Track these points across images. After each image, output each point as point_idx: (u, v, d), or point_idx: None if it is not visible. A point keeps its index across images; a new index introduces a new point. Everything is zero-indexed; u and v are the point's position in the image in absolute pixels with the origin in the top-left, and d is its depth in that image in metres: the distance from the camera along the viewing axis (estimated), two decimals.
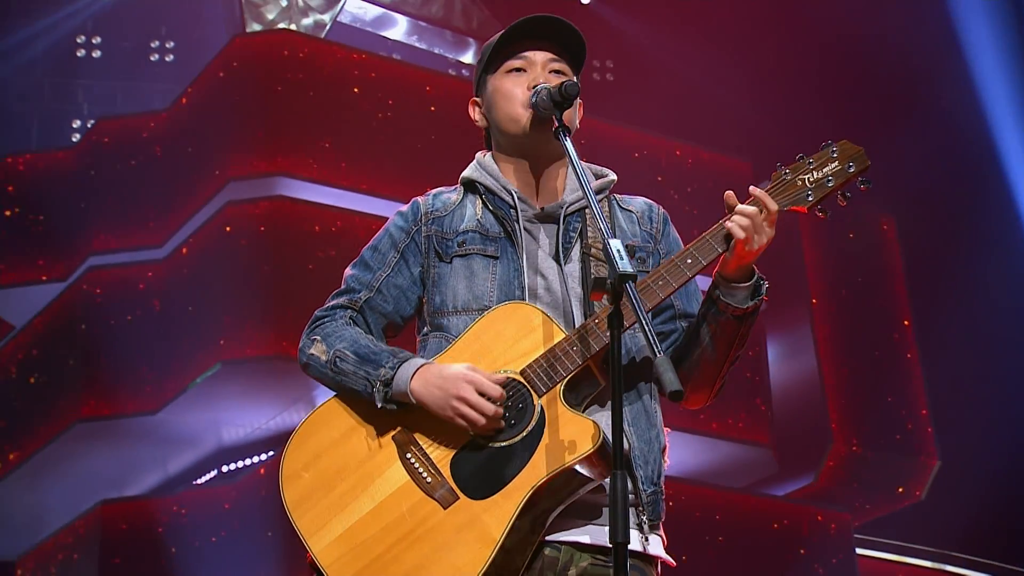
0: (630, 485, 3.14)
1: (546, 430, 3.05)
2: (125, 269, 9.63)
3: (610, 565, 3.10)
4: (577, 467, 3.01)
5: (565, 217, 3.32)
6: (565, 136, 3.19)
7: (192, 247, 9.39)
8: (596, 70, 13.50)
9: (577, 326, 3.15)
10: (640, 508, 3.18)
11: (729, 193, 3.18)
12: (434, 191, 3.46)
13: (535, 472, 3.02)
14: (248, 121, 9.38)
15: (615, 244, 2.85)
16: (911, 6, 11.65)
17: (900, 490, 11.03)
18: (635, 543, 3.16)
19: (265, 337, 8.74)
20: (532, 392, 3.09)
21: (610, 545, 2.89)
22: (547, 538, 3.11)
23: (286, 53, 9.60)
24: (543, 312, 3.15)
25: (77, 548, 9.68)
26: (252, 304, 8.77)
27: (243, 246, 8.98)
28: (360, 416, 3.18)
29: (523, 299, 3.22)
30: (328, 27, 10.90)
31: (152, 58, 13.05)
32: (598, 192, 3.39)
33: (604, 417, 3.10)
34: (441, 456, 3.10)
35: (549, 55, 3.38)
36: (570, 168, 3.15)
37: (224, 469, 10.00)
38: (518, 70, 3.37)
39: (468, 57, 12.05)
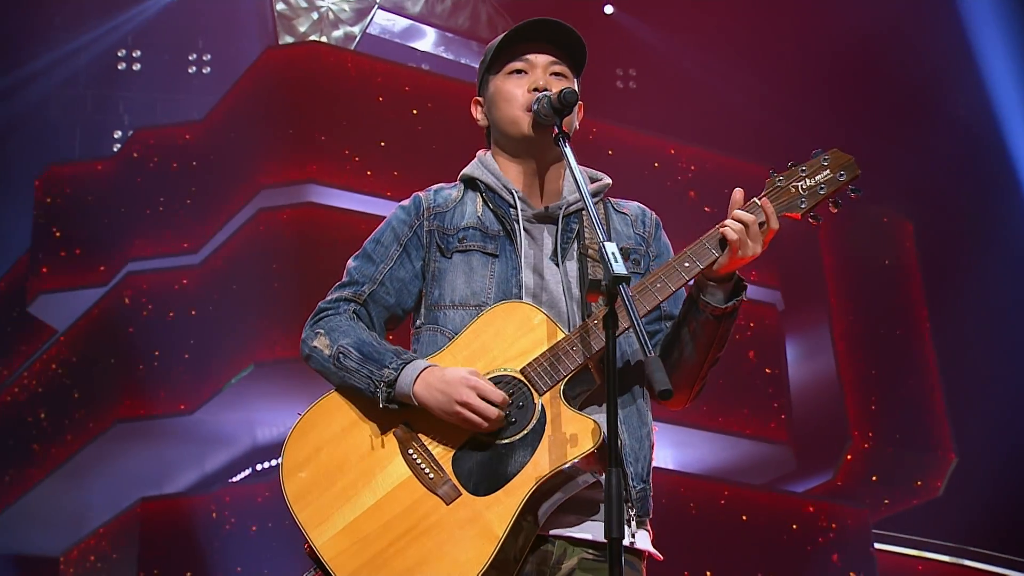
0: (620, 481, 3.18)
1: (547, 428, 3.04)
2: (162, 274, 9.65)
3: (602, 560, 3.11)
4: (577, 464, 3.02)
5: (563, 218, 3.32)
6: (565, 142, 3.18)
7: (226, 253, 9.42)
8: (619, 78, 13.49)
9: (575, 326, 3.14)
10: (630, 504, 3.17)
11: (737, 191, 3.19)
12: (434, 187, 3.46)
13: (537, 469, 3.01)
14: (279, 130, 9.41)
15: (610, 247, 2.87)
16: (924, 13, 11.59)
17: (918, 486, 10.97)
18: (624, 538, 3.15)
19: (296, 339, 8.73)
20: (533, 391, 3.08)
21: (604, 540, 2.92)
22: (542, 533, 3.10)
23: (315, 64, 9.63)
24: (542, 312, 3.15)
25: (117, 544, 9.72)
26: (283, 307, 8.77)
27: (274, 251, 9.00)
28: (361, 410, 3.16)
29: (520, 297, 3.21)
30: (358, 39, 10.93)
31: (190, 70, 13.12)
32: (594, 195, 3.40)
33: (600, 416, 3.09)
34: (443, 452, 3.09)
35: (550, 58, 3.38)
36: (568, 172, 3.14)
37: (258, 467, 10.02)
38: (519, 72, 3.37)
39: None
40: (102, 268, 10.17)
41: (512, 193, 3.34)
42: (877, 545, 10.40)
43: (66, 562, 10.40)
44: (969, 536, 11.25)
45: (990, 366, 11.16)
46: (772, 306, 10.53)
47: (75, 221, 10.48)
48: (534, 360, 3.10)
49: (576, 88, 3.40)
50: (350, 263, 3.40)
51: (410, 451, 3.10)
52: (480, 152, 3.48)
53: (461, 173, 3.46)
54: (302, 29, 10.84)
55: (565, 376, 3.07)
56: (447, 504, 3.03)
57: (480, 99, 3.47)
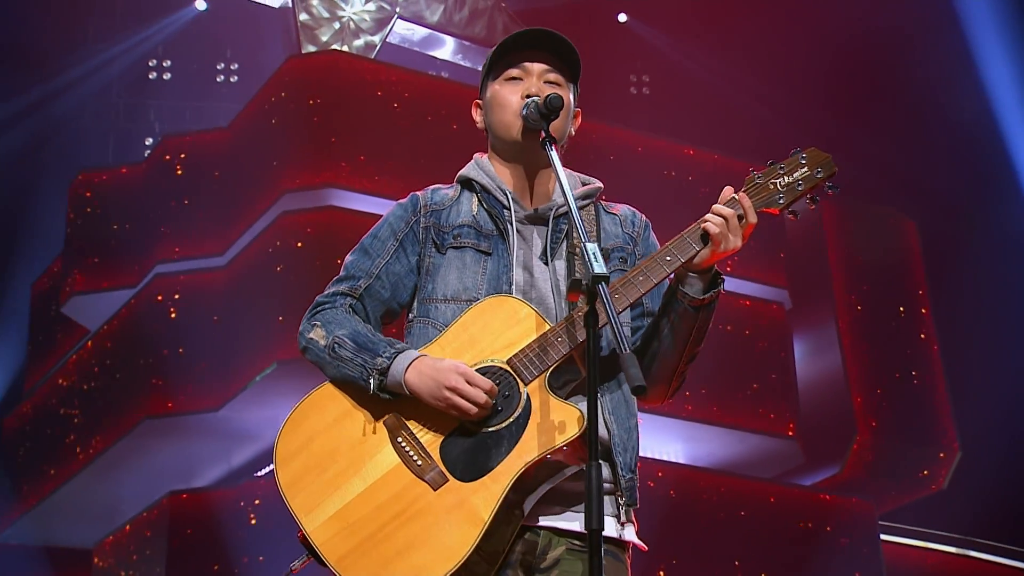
0: (608, 473, 3.17)
1: (532, 416, 3.04)
2: (189, 276, 9.69)
3: (586, 549, 3.05)
4: (560, 453, 3.01)
5: (554, 219, 3.32)
6: (550, 146, 3.18)
7: (250, 255, 9.44)
8: (633, 84, 13.50)
9: (561, 319, 3.14)
10: (619, 493, 3.17)
11: (727, 188, 3.19)
12: (432, 187, 3.46)
13: (522, 456, 3.01)
14: (300, 136, 9.42)
15: (591, 247, 2.87)
16: (926, 19, 11.57)
17: (923, 479, 10.93)
18: (611, 530, 3.16)
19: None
20: (519, 380, 3.08)
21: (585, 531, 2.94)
22: (528, 523, 3.09)
23: (334, 72, 9.65)
24: (529, 305, 3.15)
25: (147, 536, 9.74)
26: (305, 307, 8.71)
27: (296, 253, 9.01)
28: (352, 401, 3.16)
29: (510, 293, 3.21)
30: (378, 48, 10.92)
31: (218, 79, 13.19)
32: (585, 198, 3.40)
33: (584, 407, 3.11)
34: (431, 440, 3.09)
35: (545, 66, 3.37)
36: (560, 174, 3.13)
37: None
38: (515, 79, 3.37)
39: None
40: (132, 270, 10.19)
41: (506, 194, 3.35)
42: (883, 536, 10.37)
43: (99, 553, 10.43)
44: (974, 528, 11.23)
45: (993, 361, 11.13)
46: (780, 305, 10.51)
47: (106, 225, 10.52)
48: (520, 351, 3.09)
49: (571, 95, 3.40)
50: (348, 258, 3.40)
51: (399, 439, 3.10)
52: (477, 155, 3.49)
53: (458, 174, 3.47)
54: (324, 39, 10.83)
55: (550, 366, 3.07)
56: (434, 490, 3.03)
57: (480, 102, 3.48)
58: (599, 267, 2.82)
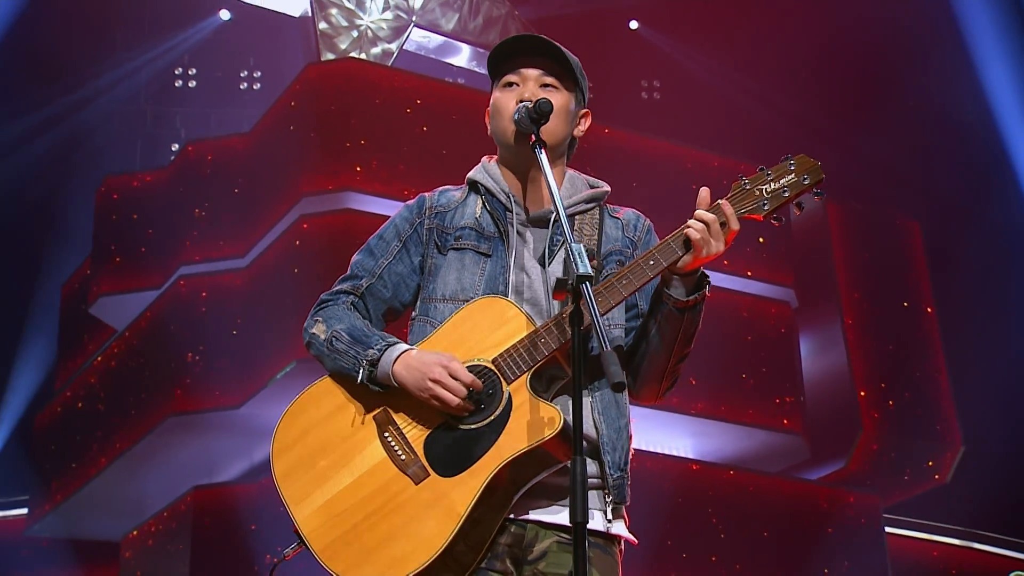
0: (596, 469, 3.17)
1: (512, 415, 3.05)
2: (212, 277, 9.70)
3: (573, 543, 3.11)
4: (541, 449, 3.01)
5: (553, 223, 3.31)
6: (540, 150, 3.17)
7: (270, 256, 9.45)
8: (644, 89, 13.46)
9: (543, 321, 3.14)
10: (606, 491, 3.17)
11: (703, 190, 3.17)
12: (441, 188, 3.48)
13: (500, 453, 3.02)
14: (319, 141, 9.43)
15: (577, 248, 2.88)
16: (927, 26, 11.55)
17: (926, 473, 10.87)
18: (599, 524, 3.16)
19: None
20: (502, 379, 3.09)
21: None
22: (515, 516, 3.11)
23: (351, 79, 9.65)
24: (517, 307, 3.16)
25: (172, 529, 9.77)
26: None
27: (315, 254, 9.01)
28: (346, 396, 3.19)
29: (506, 295, 3.22)
30: (395, 55, 10.91)
31: (241, 86, 13.21)
32: (591, 201, 3.40)
33: (568, 407, 3.10)
34: (416, 436, 3.11)
35: (541, 71, 3.36)
36: (548, 177, 3.12)
37: None
38: (512, 84, 3.36)
39: None
40: (157, 272, 10.21)
41: (509, 197, 3.35)
42: (888, 529, 10.35)
43: (126, 545, 10.46)
44: (977, 521, 11.20)
45: (994, 358, 11.10)
46: (786, 304, 10.47)
47: (132, 228, 10.54)
48: (505, 351, 3.10)
49: (571, 99, 3.38)
50: (354, 257, 3.43)
51: (386, 434, 3.13)
52: (485, 158, 3.49)
53: (467, 176, 3.47)
54: (343, 46, 10.83)
55: (533, 366, 3.07)
56: (416, 484, 3.06)
57: (491, 110, 3.47)
58: (583, 267, 2.83)
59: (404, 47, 11.03)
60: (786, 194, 3.19)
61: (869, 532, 9.95)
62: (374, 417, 3.15)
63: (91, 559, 11.37)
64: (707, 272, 3.22)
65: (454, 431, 3.08)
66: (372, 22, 11.01)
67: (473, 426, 3.07)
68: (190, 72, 13.22)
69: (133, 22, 13.12)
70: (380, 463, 3.10)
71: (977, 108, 11.59)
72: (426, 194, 3.45)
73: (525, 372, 3.07)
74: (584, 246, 3.23)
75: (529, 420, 3.02)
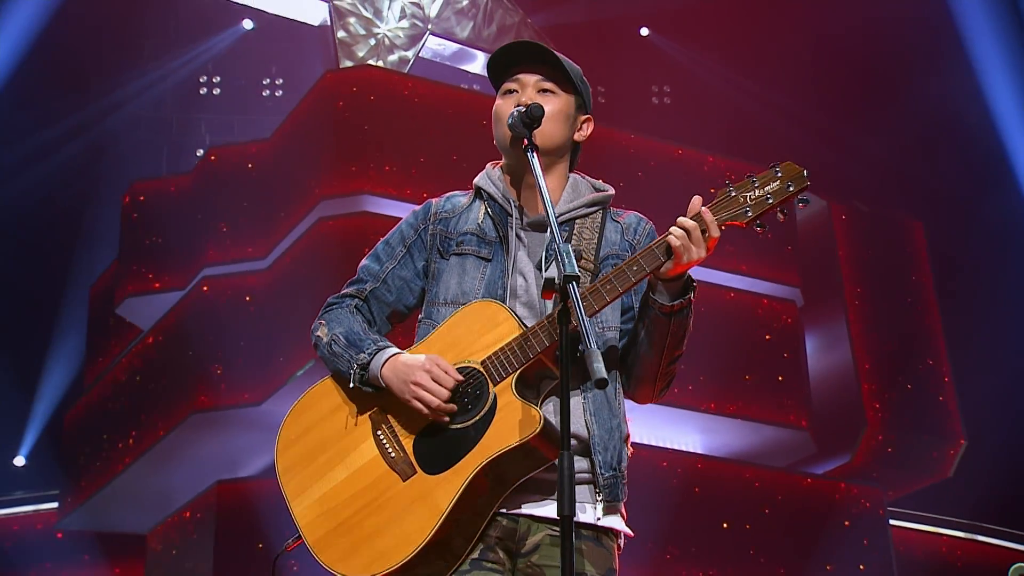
0: (588, 466, 3.16)
1: (497, 415, 3.06)
2: (234, 278, 9.70)
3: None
4: (527, 447, 3.01)
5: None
6: (532, 154, 3.17)
7: (290, 258, 9.45)
8: (655, 94, 13.45)
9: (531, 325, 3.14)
10: (598, 489, 3.16)
11: (696, 198, 3.15)
12: (449, 194, 3.49)
13: (483, 452, 3.04)
14: (336, 146, 9.43)
15: (564, 248, 2.87)
16: (930, 30, 11.51)
17: (930, 467, 10.83)
18: (590, 517, 3.15)
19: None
20: (489, 381, 3.10)
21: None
22: (507, 511, 3.12)
23: (368, 86, 9.65)
24: (508, 310, 3.16)
25: (197, 522, 9.79)
26: None
27: (333, 256, 9.01)
28: (345, 396, 3.23)
29: (505, 299, 3.22)
30: (411, 62, 10.92)
31: (264, 93, 13.23)
32: (595, 204, 3.38)
33: (556, 406, 3.11)
34: (406, 434, 3.14)
35: (539, 76, 3.34)
36: (539, 181, 3.10)
37: None
38: (511, 91, 3.35)
39: None
40: (181, 273, 10.23)
41: (510, 203, 3.34)
42: (892, 521, 10.30)
43: (153, 538, 10.50)
44: (979, 513, 11.16)
45: (996, 355, 11.07)
46: (792, 302, 10.44)
47: (156, 231, 10.57)
48: (493, 354, 3.11)
49: (569, 103, 3.36)
50: (362, 262, 3.46)
51: (379, 432, 3.17)
52: (489, 164, 3.48)
53: (473, 181, 3.47)
54: (361, 54, 10.85)
55: (516, 369, 3.08)
56: (403, 481, 3.10)
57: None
58: (570, 268, 2.82)
59: (420, 54, 11.04)
60: (770, 201, 3.13)
61: (874, 524, 9.90)
62: (369, 416, 3.19)
63: (119, 551, 11.39)
64: (694, 277, 3.21)
65: (441, 430, 3.10)
66: (389, 30, 11.02)
67: (459, 426, 3.09)
68: (214, 80, 13.25)
69: (159, 32, 13.16)
70: (372, 460, 3.14)
71: (977, 111, 11.57)
72: (433, 200, 3.46)
73: (511, 374, 3.08)
74: (575, 248, 3.23)
75: (512, 421, 3.03)
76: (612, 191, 3.43)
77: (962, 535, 11.25)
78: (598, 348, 2.78)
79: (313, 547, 3.11)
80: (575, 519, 3.01)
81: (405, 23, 11.08)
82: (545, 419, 3.00)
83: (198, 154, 12.70)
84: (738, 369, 9.94)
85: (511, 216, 3.32)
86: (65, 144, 12.71)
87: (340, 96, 9.60)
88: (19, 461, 12.74)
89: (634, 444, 9.77)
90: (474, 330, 3.16)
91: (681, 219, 3.09)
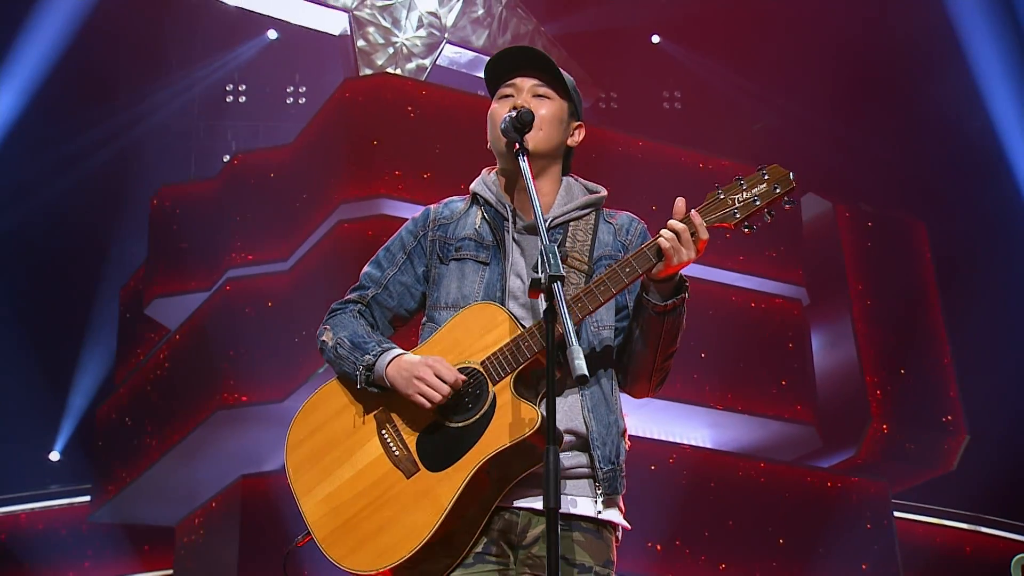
0: (587, 460, 3.16)
1: (496, 414, 3.06)
2: (257, 279, 9.71)
3: (566, 528, 3.13)
4: (525, 445, 3.01)
5: (549, 230, 3.28)
6: (522, 158, 3.16)
7: (311, 259, 9.46)
8: (666, 100, 13.42)
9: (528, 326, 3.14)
10: (597, 483, 3.16)
11: (679, 200, 3.15)
12: (446, 200, 3.48)
13: (483, 450, 3.04)
14: (356, 151, 9.43)
15: (551, 249, 2.88)
16: (933, 38, 11.48)
17: (934, 460, 10.77)
18: (590, 510, 3.15)
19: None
20: (488, 380, 3.10)
21: (565, 511, 3.01)
22: (508, 505, 3.12)
23: (385, 93, 9.66)
24: (506, 312, 3.16)
25: (223, 515, 9.83)
26: None
27: (352, 257, 8.99)
28: (351, 397, 3.24)
29: (503, 301, 3.22)
30: (428, 70, 10.92)
31: (288, 100, 13.28)
32: (589, 206, 3.37)
33: (561, 404, 3.14)
34: (410, 433, 3.15)
35: (535, 81, 3.34)
36: (528, 184, 3.11)
37: None
38: (507, 96, 3.35)
39: None
40: (206, 275, 10.25)
41: (506, 207, 3.33)
42: (896, 514, 10.26)
43: (180, 530, 10.54)
44: (982, 506, 11.12)
45: (997, 352, 11.02)
46: (798, 301, 10.40)
47: (183, 234, 10.60)
48: (492, 355, 3.12)
49: (563, 108, 3.35)
50: (364, 268, 3.46)
51: (383, 431, 3.17)
52: (485, 169, 3.48)
53: (470, 187, 3.46)
54: (380, 62, 10.85)
55: (516, 369, 3.08)
56: (407, 478, 3.10)
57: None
58: (555, 268, 2.82)
59: (437, 62, 11.04)
60: (757, 203, 3.14)
61: (878, 517, 9.86)
62: (374, 416, 3.20)
63: (148, 543, 11.44)
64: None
65: (443, 429, 3.11)
66: (407, 39, 11.02)
67: (460, 424, 3.09)
68: (240, 88, 13.30)
69: (186, 42, 13.22)
70: (377, 458, 3.15)
71: (978, 117, 11.56)
72: (431, 206, 3.46)
73: (509, 374, 3.08)
74: (569, 250, 3.23)
75: (511, 419, 3.04)
76: (604, 192, 3.42)
77: (966, 527, 11.21)
78: (580, 345, 2.80)
79: (322, 543, 3.12)
80: (577, 513, 3.10)
81: (422, 32, 11.08)
82: (543, 417, 3.00)
83: (225, 159, 12.74)
84: (746, 366, 9.91)
85: (507, 220, 3.31)
86: (97, 151, 12.77)
87: (359, 103, 9.61)
88: (54, 456, 12.81)
89: (646, 440, 9.74)
90: (473, 332, 3.16)
91: (671, 222, 3.09)
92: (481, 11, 11.39)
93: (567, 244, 3.28)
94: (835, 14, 12.15)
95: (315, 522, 3.15)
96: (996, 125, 11.41)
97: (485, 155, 3.47)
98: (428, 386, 3.07)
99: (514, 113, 3.21)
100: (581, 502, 3.14)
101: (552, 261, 2.84)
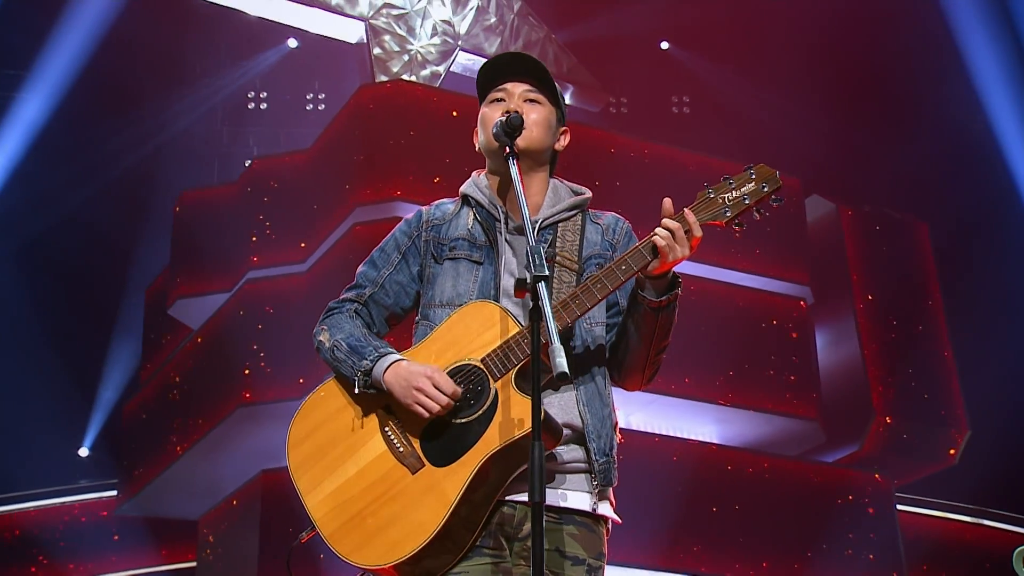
0: (583, 455, 3.16)
1: (498, 409, 3.05)
2: (275, 281, 9.73)
3: (560, 522, 3.12)
4: (526, 440, 2.99)
5: (539, 231, 3.29)
6: (512, 161, 3.17)
7: (327, 261, 9.48)
8: (675, 104, 13.40)
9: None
10: (593, 475, 3.15)
11: (666, 200, 3.15)
12: (437, 202, 3.48)
13: (487, 445, 3.03)
14: (371, 156, 9.44)
15: (536, 250, 2.89)
16: (935, 45, 11.45)
17: (936, 454, 10.73)
18: (586, 505, 3.15)
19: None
20: (489, 377, 3.09)
21: (560, 505, 3.03)
22: (505, 498, 3.10)
23: (399, 99, 9.67)
24: (504, 310, 3.15)
25: (244, 508, 9.86)
26: None
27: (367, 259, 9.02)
28: (351, 396, 3.22)
29: (497, 299, 3.21)
30: (442, 77, 10.94)
31: (308, 107, 13.29)
32: (574, 208, 3.37)
33: (556, 400, 3.14)
34: (413, 430, 3.12)
35: (526, 86, 3.35)
36: (516, 186, 3.11)
37: None
38: (499, 100, 3.35)
39: (566, 98, 12.00)
40: (227, 276, 10.26)
41: (498, 208, 3.33)
42: (900, 507, 10.23)
43: (203, 523, 10.58)
44: (984, 499, 11.09)
45: (998, 349, 10.99)
46: (803, 300, 10.37)
47: (205, 237, 10.62)
48: (492, 352, 3.11)
49: (552, 114, 3.36)
50: (359, 268, 3.45)
51: (386, 429, 3.15)
52: (475, 172, 3.47)
53: (460, 189, 3.45)
54: (395, 69, 10.87)
55: (514, 365, 3.07)
56: (412, 474, 3.08)
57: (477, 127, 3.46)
58: (539, 268, 2.83)
59: (451, 69, 11.05)
60: (747, 201, 3.16)
61: (881, 510, 9.83)
62: (376, 413, 3.18)
63: (172, 535, 11.48)
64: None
65: (446, 425, 3.09)
66: (421, 47, 11.04)
67: (463, 420, 3.08)
68: (262, 95, 13.32)
69: (210, 51, 13.26)
70: (381, 455, 3.12)
71: (979, 122, 11.52)
72: (423, 208, 3.46)
73: (510, 370, 3.08)
74: (557, 250, 3.23)
75: (514, 414, 3.03)
76: (589, 194, 3.43)
77: (967, 519, 11.17)
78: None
79: (329, 539, 3.09)
80: (571, 507, 3.10)
81: (437, 40, 11.10)
82: (547, 411, 3.00)
83: (246, 164, 12.76)
84: (752, 363, 9.88)
85: (498, 221, 3.32)
86: (124, 158, 12.81)
87: (374, 109, 9.63)
88: (83, 452, 12.86)
89: (655, 435, 9.71)
90: (472, 329, 3.15)
91: (665, 220, 3.10)
92: (493, 19, 11.40)
93: (557, 244, 3.28)
94: (839, 20, 12.12)
95: (321, 518, 3.12)
96: (995, 127, 11.38)
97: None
98: (427, 396, 3.06)
99: (505, 117, 3.21)
100: (576, 496, 3.14)
101: (537, 262, 2.84)
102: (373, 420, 3.17)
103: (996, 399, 10.78)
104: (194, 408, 10.08)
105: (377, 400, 3.17)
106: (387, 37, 11.02)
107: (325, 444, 3.18)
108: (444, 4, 11.22)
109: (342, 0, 11.05)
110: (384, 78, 10.76)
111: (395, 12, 11.08)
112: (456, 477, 3.02)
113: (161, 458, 10.43)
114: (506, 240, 3.30)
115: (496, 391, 3.07)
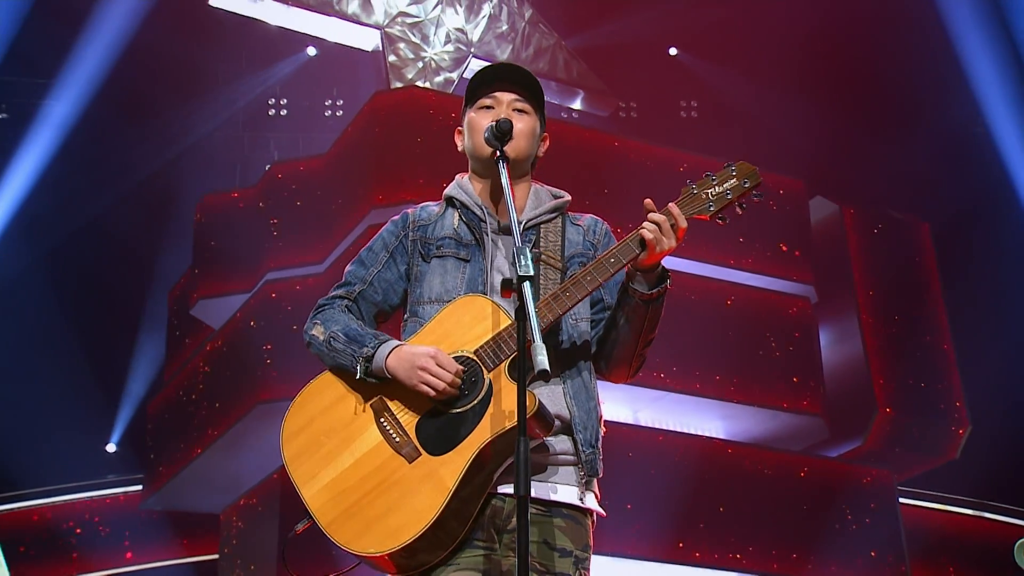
0: (571, 447, 3.17)
1: (493, 399, 3.06)
2: (293, 282, 9.74)
3: (547, 514, 3.13)
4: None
5: (523, 232, 3.32)
6: (502, 165, 3.19)
7: (344, 262, 9.42)
8: (683, 109, 13.39)
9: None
10: (580, 466, 3.16)
11: (647, 200, 3.17)
12: (421, 205, 3.51)
13: (482, 433, 3.03)
14: (385, 159, 9.46)
15: (522, 250, 2.91)
16: (936, 50, 11.43)
17: (937, 449, 10.69)
18: (574, 498, 3.16)
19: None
20: (483, 368, 3.10)
21: (549, 498, 3.05)
22: (493, 491, 3.11)
23: (412, 104, 9.68)
24: (495, 303, 3.17)
25: (263, 503, 9.89)
26: None
27: None
28: (345, 388, 3.21)
29: (486, 294, 3.23)
30: (455, 83, 10.95)
31: (326, 113, 13.33)
32: (554, 211, 3.41)
33: (546, 390, 3.14)
34: (408, 420, 3.12)
35: (515, 96, 3.38)
36: (505, 188, 3.14)
37: None
38: (488, 107, 3.37)
39: (576, 103, 12.04)
40: (247, 278, 10.30)
41: (482, 209, 3.36)
42: (902, 500, 10.20)
43: (225, 517, 10.61)
44: (985, 492, 11.07)
45: (998, 346, 10.96)
46: (807, 298, 10.35)
47: (226, 239, 10.65)
48: (484, 344, 3.12)
49: (537, 122, 3.41)
50: (348, 267, 3.48)
51: (382, 419, 3.14)
52: (458, 175, 3.50)
53: (444, 193, 3.48)
54: (409, 76, 10.89)
55: (507, 356, 3.09)
56: (409, 463, 3.07)
57: (461, 129, 3.49)
58: (524, 268, 2.85)
59: (464, 76, 11.06)
60: (729, 196, 3.20)
61: (884, 503, 9.80)
62: (371, 405, 3.17)
63: (195, 529, 11.53)
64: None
65: (442, 415, 3.09)
66: (435, 54, 11.06)
67: (459, 410, 3.08)
68: (281, 102, 13.36)
69: (231, 59, 13.29)
70: (377, 445, 3.11)
71: (978, 124, 11.50)
72: (409, 210, 3.49)
73: (503, 361, 3.09)
74: (541, 250, 3.26)
75: (507, 404, 3.04)
76: (569, 197, 3.46)
77: (969, 512, 11.13)
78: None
79: (327, 529, 3.07)
80: (559, 500, 3.11)
81: (450, 47, 11.12)
82: (540, 402, 3.01)
83: (267, 169, 12.81)
84: (757, 360, 9.87)
85: (484, 221, 3.35)
86: (146, 163, 12.86)
87: (389, 114, 9.65)
88: (110, 448, 12.92)
89: (662, 431, 9.71)
90: (464, 322, 3.16)
91: (652, 214, 3.12)
92: (505, 27, 11.41)
93: (541, 244, 3.33)
94: (841, 25, 12.10)
95: (318, 508, 3.10)
96: (995, 130, 11.37)
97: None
98: (432, 375, 3.06)
99: (495, 122, 3.23)
100: (565, 490, 3.14)
101: (523, 262, 2.86)
102: (368, 411, 3.16)
103: (996, 394, 10.75)
104: (216, 405, 10.12)
105: (372, 391, 3.18)
106: (402, 45, 11.04)
107: (320, 436, 3.17)
108: (457, 12, 11.24)
109: (358, 9, 11.08)
110: (399, 84, 10.78)
111: (410, 20, 11.11)
112: (453, 465, 3.02)
113: (184, 453, 10.48)
114: (492, 240, 3.32)
115: (490, 381, 3.09)
